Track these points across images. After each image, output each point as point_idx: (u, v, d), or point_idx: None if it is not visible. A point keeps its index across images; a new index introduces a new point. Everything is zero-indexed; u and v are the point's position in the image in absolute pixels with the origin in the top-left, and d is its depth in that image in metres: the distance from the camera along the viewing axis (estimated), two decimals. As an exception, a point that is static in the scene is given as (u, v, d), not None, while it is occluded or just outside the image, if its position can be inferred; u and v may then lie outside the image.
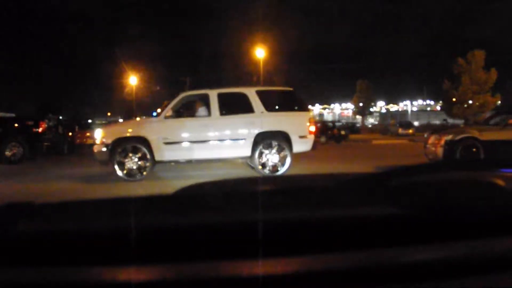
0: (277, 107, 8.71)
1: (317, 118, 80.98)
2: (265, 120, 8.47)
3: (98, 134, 8.35)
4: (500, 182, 0.91)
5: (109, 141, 8.12)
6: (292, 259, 0.70)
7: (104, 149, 8.10)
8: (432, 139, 9.61)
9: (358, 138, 28.56)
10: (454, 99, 37.58)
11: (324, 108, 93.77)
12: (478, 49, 36.72)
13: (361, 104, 59.94)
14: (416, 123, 52.36)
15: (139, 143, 8.11)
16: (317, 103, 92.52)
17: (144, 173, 8.06)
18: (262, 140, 8.35)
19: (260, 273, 0.67)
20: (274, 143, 8.36)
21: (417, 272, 0.69)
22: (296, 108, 8.81)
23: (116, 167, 8.00)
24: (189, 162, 8.60)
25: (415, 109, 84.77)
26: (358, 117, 64.55)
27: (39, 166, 11.10)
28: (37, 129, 13.18)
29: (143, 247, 0.70)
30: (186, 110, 8.74)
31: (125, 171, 8.02)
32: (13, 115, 16.51)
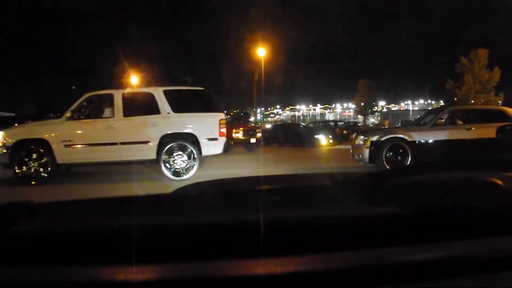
0: (186, 108, 8.38)
1: (318, 117, 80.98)
2: (171, 121, 8.16)
3: None
4: (500, 182, 0.91)
5: (10, 143, 7.91)
6: (292, 259, 0.70)
7: (5, 151, 7.87)
8: (358, 140, 9.33)
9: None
10: (455, 99, 37.49)
11: (326, 108, 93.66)
12: (481, 48, 36.60)
13: (362, 104, 59.99)
14: (417, 123, 52.28)
15: (40, 146, 7.92)
16: (318, 102, 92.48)
17: (32, 180, 7.81)
18: (168, 142, 8.04)
19: (260, 273, 0.67)
20: (181, 145, 8.06)
21: (417, 272, 0.69)
22: (206, 109, 8.50)
23: (16, 170, 7.80)
24: (94, 164, 8.37)
25: (416, 108, 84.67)
26: (360, 117, 64.52)
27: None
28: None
29: (143, 247, 0.70)
30: (91, 111, 8.47)
31: (26, 174, 7.83)
32: (12, 114, 16.51)
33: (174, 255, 0.71)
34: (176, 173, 8.05)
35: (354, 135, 10.13)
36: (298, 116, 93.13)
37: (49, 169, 7.94)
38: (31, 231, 0.76)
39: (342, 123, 31.25)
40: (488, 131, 8.70)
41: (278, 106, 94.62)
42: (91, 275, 0.67)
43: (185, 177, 7.96)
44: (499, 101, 36.44)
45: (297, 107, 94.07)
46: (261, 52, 32.31)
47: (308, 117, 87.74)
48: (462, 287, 0.67)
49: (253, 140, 16.46)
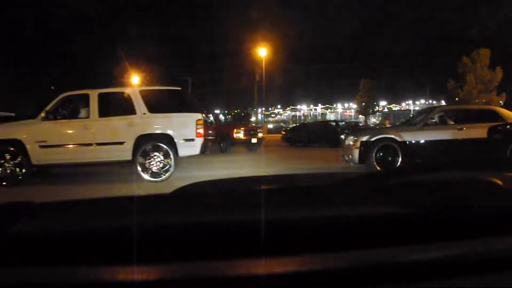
0: (162, 108, 8.30)
1: (319, 117, 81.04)
2: (146, 122, 8.10)
3: None
4: (500, 182, 0.91)
5: None
6: (292, 259, 0.70)
7: None
8: (348, 140, 9.18)
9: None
10: (457, 99, 37.45)
11: (327, 108, 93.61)
12: (483, 47, 36.56)
13: (363, 104, 60.01)
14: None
15: (13, 146, 7.87)
16: (319, 102, 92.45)
17: (4, 181, 7.76)
18: (144, 143, 8.00)
19: (260, 273, 0.67)
20: (157, 146, 8.00)
21: (417, 272, 0.69)
22: (183, 109, 8.42)
23: None
24: (70, 165, 8.32)
25: (417, 108, 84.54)
26: (361, 117, 64.54)
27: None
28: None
29: (142, 247, 0.70)
30: (66, 112, 8.39)
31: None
32: (12, 114, 16.46)
33: (174, 255, 0.71)
34: (152, 174, 7.96)
35: (344, 135, 10.01)
36: (299, 116, 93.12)
37: (23, 170, 7.88)
38: (31, 231, 0.76)
39: (343, 123, 31.07)
40: (479, 131, 8.59)
41: (279, 106, 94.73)
42: (91, 275, 0.67)
43: (161, 178, 7.90)
44: (500, 101, 36.43)
45: (298, 107, 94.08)
46: (262, 52, 32.36)
47: (309, 117, 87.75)
48: (462, 287, 0.67)
49: (254, 140, 16.44)
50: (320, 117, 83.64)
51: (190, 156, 8.45)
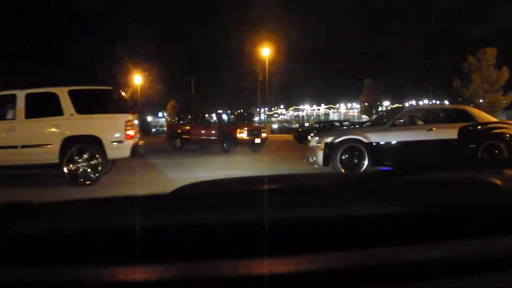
0: (91, 108, 7.95)
1: (322, 117, 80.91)
2: (73, 123, 7.77)
3: None
4: (500, 182, 0.91)
5: None
6: (292, 259, 0.70)
7: None
8: (312, 141, 8.71)
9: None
10: (460, 99, 37.21)
11: (330, 108, 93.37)
12: (488, 46, 36.27)
13: (366, 104, 59.88)
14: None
15: None
16: (322, 102, 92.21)
17: None
18: (71, 145, 7.66)
19: (260, 272, 0.67)
20: (84, 148, 7.72)
21: (417, 272, 0.69)
22: (113, 110, 8.09)
23: None
24: None
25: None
26: (364, 117, 64.35)
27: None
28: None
29: (143, 247, 0.70)
30: None
31: None
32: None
33: (173, 255, 0.71)
34: (80, 178, 7.72)
35: (310, 136, 9.52)
36: (302, 116, 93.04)
37: None
38: (31, 231, 0.76)
39: (347, 123, 30.77)
40: (449, 132, 8.28)
41: (282, 106, 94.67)
42: (91, 275, 0.67)
43: (89, 182, 7.67)
44: (504, 101, 36.24)
45: (301, 107, 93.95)
46: (265, 52, 32.37)
47: (312, 117, 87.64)
48: (462, 287, 0.67)
49: (257, 141, 16.39)
50: (323, 117, 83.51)
51: (120, 159, 8.17)
